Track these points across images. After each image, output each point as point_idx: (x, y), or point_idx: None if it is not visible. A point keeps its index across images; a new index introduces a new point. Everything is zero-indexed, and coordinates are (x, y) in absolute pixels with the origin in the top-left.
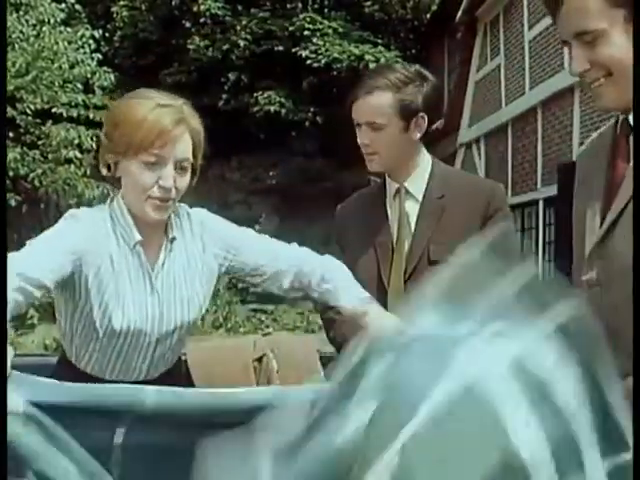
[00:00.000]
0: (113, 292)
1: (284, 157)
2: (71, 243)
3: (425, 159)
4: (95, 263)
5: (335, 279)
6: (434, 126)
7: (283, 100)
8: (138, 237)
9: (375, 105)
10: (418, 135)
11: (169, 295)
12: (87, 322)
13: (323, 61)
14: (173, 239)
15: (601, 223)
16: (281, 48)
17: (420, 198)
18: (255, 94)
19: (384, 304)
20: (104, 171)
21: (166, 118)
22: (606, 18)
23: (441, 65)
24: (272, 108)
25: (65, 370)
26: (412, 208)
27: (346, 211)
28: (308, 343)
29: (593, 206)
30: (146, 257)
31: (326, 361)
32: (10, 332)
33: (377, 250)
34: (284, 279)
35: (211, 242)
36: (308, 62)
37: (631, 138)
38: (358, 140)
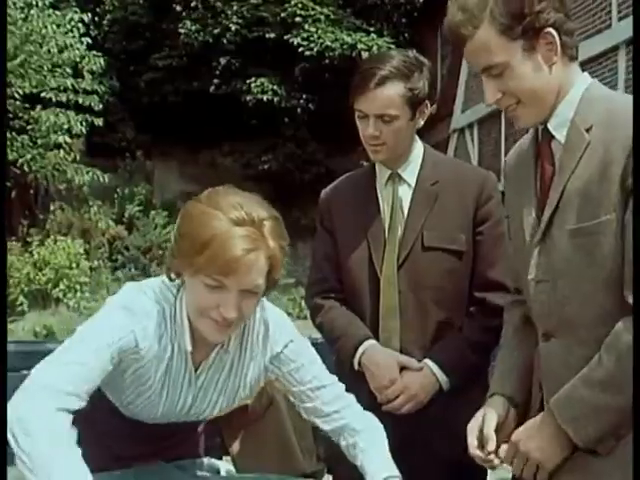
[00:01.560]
0: (149, 387)
1: (276, 143)
2: (120, 342)
3: (417, 145)
4: (141, 359)
5: (368, 454)
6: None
7: (276, 88)
8: (189, 348)
9: (388, 96)
10: (421, 123)
11: (207, 393)
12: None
13: (315, 49)
14: (227, 352)
15: (539, 222)
16: (273, 35)
17: (413, 184)
18: (248, 81)
19: (377, 292)
20: (172, 275)
21: (238, 245)
22: (506, 52)
23: (434, 50)
24: (265, 97)
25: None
26: (405, 194)
27: (333, 195)
28: (300, 329)
29: (528, 208)
30: (194, 356)
31: (317, 347)
32: None
33: (369, 236)
34: (325, 424)
35: (263, 358)
36: (300, 50)
37: (553, 143)
38: (365, 132)
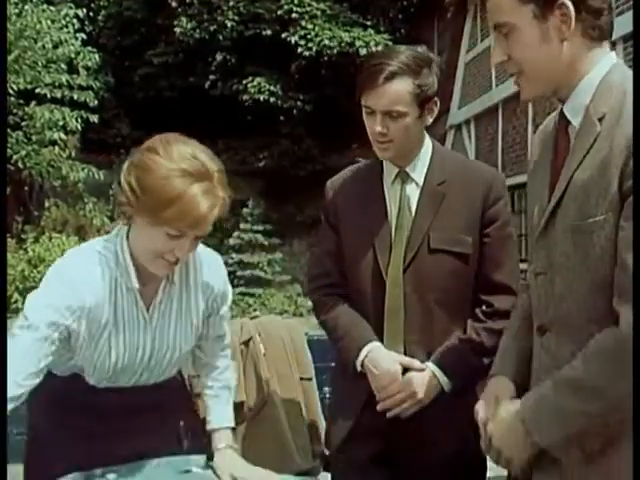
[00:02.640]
0: (107, 335)
1: (271, 140)
2: (70, 309)
3: (426, 142)
4: (92, 315)
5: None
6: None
7: (272, 88)
8: (136, 285)
9: (396, 93)
10: (430, 120)
11: (162, 333)
12: (80, 359)
13: (314, 48)
14: (172, 283)
15: (544, 212)
16: (269, 32)
17: (421, 183)
18: (244, 81)
19: (382, 293)
20: (121, 220)
21: (204, 202)
22: (515, 13)
23: (431, 46)
24: (262, 97)
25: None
26: (413, 193)
27: (339, 189)
28: (296, 326)
29: (540, 195)
30: (143, 296)
31: (313, 344)
32: None
33: (374, 237)
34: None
35: (204, 296)
36: (299, 50)
37: (570, 127)
38: (373, 128)
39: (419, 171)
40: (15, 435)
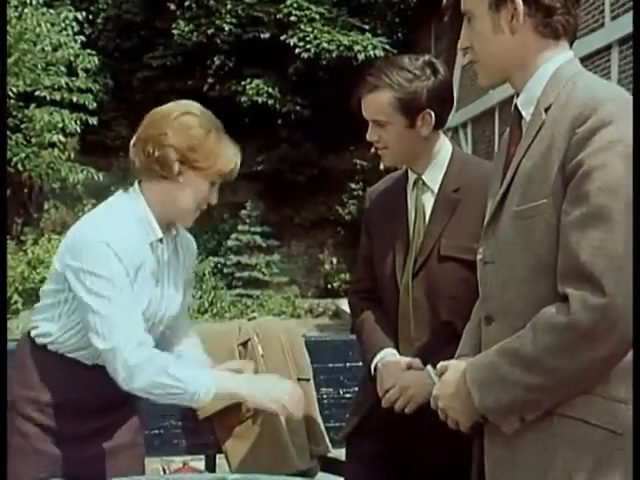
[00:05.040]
0: (139, 285)
1: (270, 143)
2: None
3: (444, 149)
4: (129, 271)
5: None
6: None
7: (271, 91)
8: (160, 234)
9: (376, 103)
10: (426, 131)
11: (164, 285)
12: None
13: (312, 50)
14: (176, 235)
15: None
16: (267, 35)
17: (436, 190)
18: (243, 82)
19: (396, 301)
20: (163, 173)
21: (238, 155)
22: (475, 3)
23: (428, 49)
24: (260, 99)
25: (53, 359)
26: (428, 200)
27: (374, 196)
28: (293, 328)
29: (493, 189)
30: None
31: (311, 345)
32: None
33: (395, 243)
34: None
35: (188, 253)
36: (297, 51)
37: (522, 122)
38: (367, 136)
39: (435, 178)
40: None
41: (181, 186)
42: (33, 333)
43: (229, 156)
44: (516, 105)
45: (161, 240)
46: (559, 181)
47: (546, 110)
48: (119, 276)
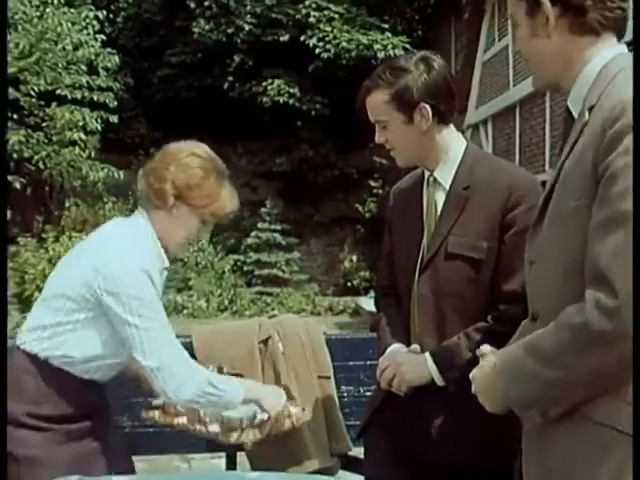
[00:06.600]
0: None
1: (290, 143)
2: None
3: (456, 146)
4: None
5: None
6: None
7: (292, 90)
8: (167, 263)
9: (373, 104)
10: (425, 125)
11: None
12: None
13: (332, 50)
14: (167, 269)
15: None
16: (286, 37)
17: (447, 187)
18: (264, 83)
19: (409, 298)
20: (156, 202)
21: (234, 198)
22: (516, 8)
23: (448, 46)
24: (281, 99)
25: (69, 380)
26: (440, 197)
27: (395, 193)
28: (314, 325)
29: (545, 189)
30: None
31: (331, 343)
32: None
33: (410, 241)
34: None
35: None
36: (317, 51)
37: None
38: (375, 139)
39: (446, 175)
40: None
41: (174, 219)
42: (46, 354)
43: (225, 200)
44: (567, 105)
45: (166, 268)
46: (592, 183)
47: (590, 110)
48: (157, 299)
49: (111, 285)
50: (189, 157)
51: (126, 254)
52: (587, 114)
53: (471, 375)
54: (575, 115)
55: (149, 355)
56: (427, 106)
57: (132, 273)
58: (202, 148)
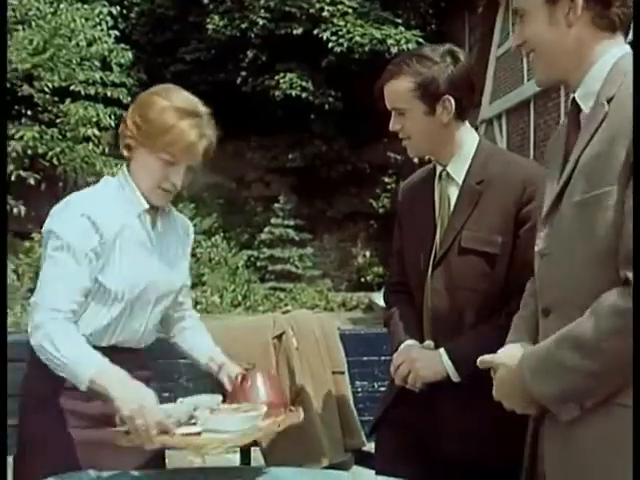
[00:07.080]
0: (119, 257)
1: (303, 138)
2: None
3: (470, 141)
4: (106, 237)
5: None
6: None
7: (305, 84)
8: (146, 205)
9: (395, 90)
10: (446, 118)
11: (162, 256)
12: (97, 289)
13: (345, 45)
14: (169, 211)
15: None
16: (300, 31)
17: (460, 181)
18: (276, 77)
19: (421, 293)
20: (125, 152)
21: (193, 132)
22: (529, 0)
23: (462, 40)
24: (294, 92)
25: None
26: (453, 192)
27: (405, 189)
28: (328, 320)
29: (551, 180)
30: (145, 223)
31: (346, 338)
32: None
33: (422, 236)
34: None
35: (185, 232)
36: (330, 45)
37: (581, 115)
38: (390, 126)
39: (459, 170)
40: None
41: (138, 164)
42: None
43: (179, 134)
44: (574, 99)
45: (150, 212)
46: (626, 168)
47: (608, 101)
48: (83, 248)
49: (46, 224)
50: (145, 96)
51: (71, 200)
52: (607, 105)
53: (494, 375)
54: (585, 109)
55: (36, 290)
56: (451, 99)
57: (67, 215)
58: (165, 87)
